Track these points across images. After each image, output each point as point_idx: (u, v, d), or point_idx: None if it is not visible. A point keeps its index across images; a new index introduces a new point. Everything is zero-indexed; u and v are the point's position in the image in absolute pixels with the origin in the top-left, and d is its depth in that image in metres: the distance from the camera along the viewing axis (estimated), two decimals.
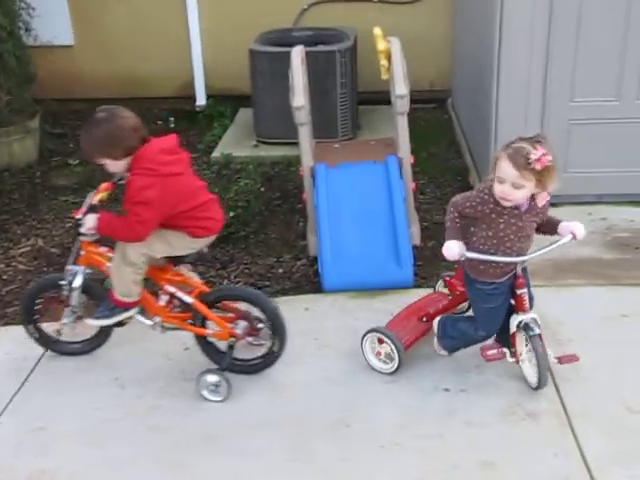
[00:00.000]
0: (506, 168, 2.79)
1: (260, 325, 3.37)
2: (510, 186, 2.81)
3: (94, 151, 3.13)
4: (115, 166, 3.14)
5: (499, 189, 2.84)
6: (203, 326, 3.39)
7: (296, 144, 4.52)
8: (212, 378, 3.28)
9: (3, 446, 3.08)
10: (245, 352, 3.43)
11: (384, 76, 4.52)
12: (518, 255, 3.01)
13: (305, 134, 4.39)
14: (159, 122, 6.91)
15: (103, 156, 3.11)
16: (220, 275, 4.40)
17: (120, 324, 3.42)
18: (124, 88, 6.95)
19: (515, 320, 3.13)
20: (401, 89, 4.22)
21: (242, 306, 3.39)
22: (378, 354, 3.38)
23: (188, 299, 3.33)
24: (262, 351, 3.42)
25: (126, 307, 3.33)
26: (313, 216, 4.35)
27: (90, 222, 3.22)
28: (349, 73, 5.93)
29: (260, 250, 4.67)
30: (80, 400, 3.35)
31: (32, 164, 6.16)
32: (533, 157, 2.73)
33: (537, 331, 3.09)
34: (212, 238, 3.35)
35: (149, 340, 3.60)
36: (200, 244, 3.31)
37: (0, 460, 3.00)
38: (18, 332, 3.78)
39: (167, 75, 7.10)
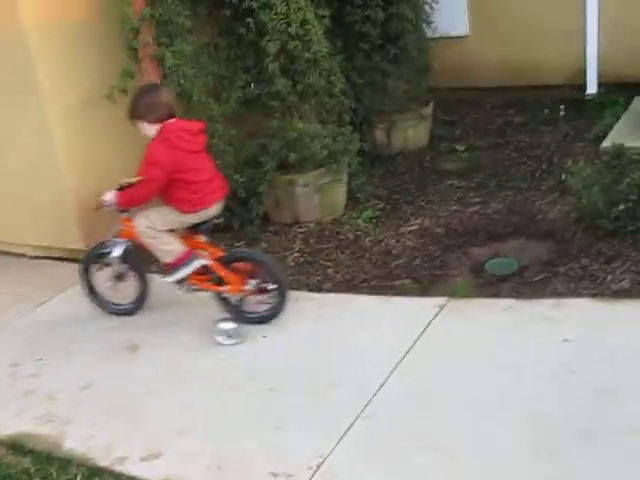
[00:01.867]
0: None
1: (267, 285, 3.99)
2: None
3: (134, 112, 3.90)
4: (146, 129, 3.88)
5: None
6: (219, 284, 4.01)
7: None
8: (226, 325, 3.92)
9: (390, 406, 3.36)
10: (254, 306, 4.10)
11: None
12: None
13: None
14: (546, 110, 6.84)
15: (140, 118, 3.87)
16: (604, 270, 4.24)
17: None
18: (514, 76, 7.01)
19: None
20: None
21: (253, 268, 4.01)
22: None
23: (206, 261, 3.97)
24: (267, 306, 4.06)
25: (179, 264, 3.99)
26: None
27: (109, 195, 4.00)
28: None
29: None
30: (462, 372, 3.49)
31: (423, 149, 6.55)
32: None
33: None
34: (201, 214, 3.95)
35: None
36: (192, 218, 3.96)
37: (386, 420, 3.28)
38: (407, 303, 4.12)
39: (557, 63, 6.98)
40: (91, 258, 4.45)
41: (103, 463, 3.23)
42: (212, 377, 3.75)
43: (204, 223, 4.05)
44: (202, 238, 4.14)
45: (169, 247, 3.99)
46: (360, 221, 5.30)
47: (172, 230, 4.04)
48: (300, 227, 5.36)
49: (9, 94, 5.00)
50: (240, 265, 4.07)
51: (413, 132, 6.53)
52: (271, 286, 4.02)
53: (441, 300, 4.12)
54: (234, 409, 3.47)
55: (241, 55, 5.28)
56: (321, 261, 4.86)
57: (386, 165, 6.30)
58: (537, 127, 6.59)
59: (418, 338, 3.80)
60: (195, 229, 4.08)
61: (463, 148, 6.42)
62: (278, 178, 5.30)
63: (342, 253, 4.93)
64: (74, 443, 3.39)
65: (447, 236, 4.97)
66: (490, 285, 4.27)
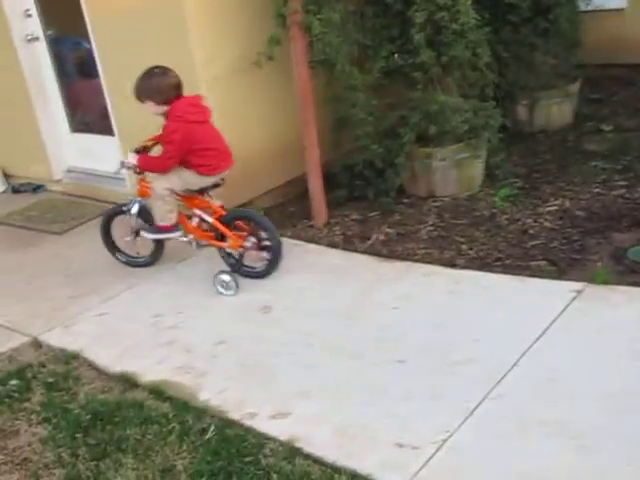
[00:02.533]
0: None
1: (265, 242, 4.46)
2: None
3: (142, 92, 4.29)
4: (154, 109, 4.30)
5: None
6: (222, 240, 4.49)
7: None
8: (225, 277, 4.40)
9: (520, 389, 3.31)
10: (253, 261, 4.55)
11: None
12: None
13: None
14: None
15: (147, 98, 4.28)
16: None
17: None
18: None
19: None
20: None
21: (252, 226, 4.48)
22: None
23: (209, 219, 4.49)
24: (264, 262, 4.50)
25: (165, 230, 4.55)
26: None
27: (132, 159, 4.42)
28: None
29: None
30: (597, 361, 3.39)
31: (566, 127, 6.31)
32: None
33: None
34: (216, 177, 4.46)
35: None
36: (208, 180, 4.46)
37: (514, 402, 3.23)
38: (542, 285, 4.03)
39: None
40: (112, 213, 4.92)
41: (235, 416, 3.38)
42: (340, 344, 3.82)
43: (212, 186, 4.54)
44: (207, 198, 4.59)
45: (170, 214, 4.52)
46: (497, 199, 5.20)
47: (183, 193, 4.55)
48: (435, 201, 5.32)
49: (162, 60, 5.20)
50: (241, 224, 4.55)
51: (557, 110, 6.29)
52: (267, 243, 4.48)
53: (579, 285, 4.00)
54: (362, 377, 3.53)
55: (387, 25, 5.25)
56: (455, 236, 4.81)
57: (527, 143, 6.11)
58: None
59: (553, 322, 3.70)
60: (202, 191, 4.57)
61: (610, 128, 6.13)
62: (416, 150, 5.26)
63: (477, 230, 4.86)
64: (209, 395, 3.56)
65: (588, 219, 4.79)
66: (632, 273, 4.09)
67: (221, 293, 4.47)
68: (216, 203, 4.59)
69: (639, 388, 3.16)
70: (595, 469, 2.79)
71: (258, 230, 4.50)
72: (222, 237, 4.54)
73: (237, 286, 4.45)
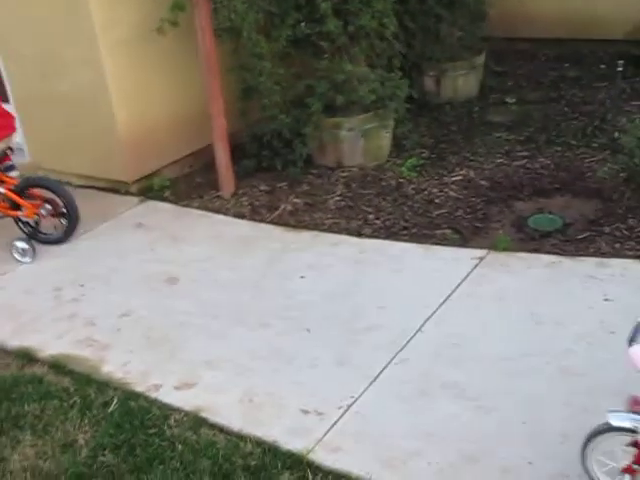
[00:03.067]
0: None
1: (61, 209, 4.53)
2: None
3: None
4: None
5: None
6: (16, 209, 4.52)
7: None
8: (21, 244, 4.49)
9: (423, 353, 3.37)
10: (51, 229, 4.64)
11: None
12: None
13: None
14: (603, 65, 6.64)
15: None
16: None
17: None
18: (572, 29, 6.78)
19: None
20: None
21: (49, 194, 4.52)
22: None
23: (1, 190, 4.47)
24: (61, 230, 4.63)
25: None
26: None
27: None
28: None
29: None
30: (498, 325, 3.48)
31: (472, 99, 6.41)
32: None
33: None
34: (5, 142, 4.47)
35: None
36: None
37: (418, 366, 3.29)
38: (447, 252, 4.11)
39: (618, 17, 6.71)
40: None
41: (139, 388, 3.32)
42: (247, 314, 3.79)
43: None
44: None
45: None
46: (404, 169, 5.25)
47: None
48: (343, 171, 5.33)
49: (61, 23, 5.00)
50: (36, 191, 4.57)
51: (463, 81, 6.38)
52: (63, 210, 4.55)
53: (481, 252, 4.10)
54: (268, 346, 3.52)
55: None
56: (362, 206, 4.84)
57: (433, 114, 6.19)
58: (592, 82, 6.39)
59: (456, 288, 3.78)
60: None
61: (513, 100, 6.27)
62: (324, 120, 5.25)
63: (384, 200, 4.90)
64: (112, 367, 3.48)
65: (491, 189, 4.90)
66: (532, 240, 4.22)
67: (19, 261, 4.52)
68: (11, 174, 4.58)
69: (535, 350, 3.27)
70: (493, 428, 2.88)
71: (53, 197, 4.54)
72: (17, 206, 4.54)
73: (34, 253, 4.52)
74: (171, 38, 4.98)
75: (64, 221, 4.63)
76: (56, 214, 4.59)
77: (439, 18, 6.12)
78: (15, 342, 3.73)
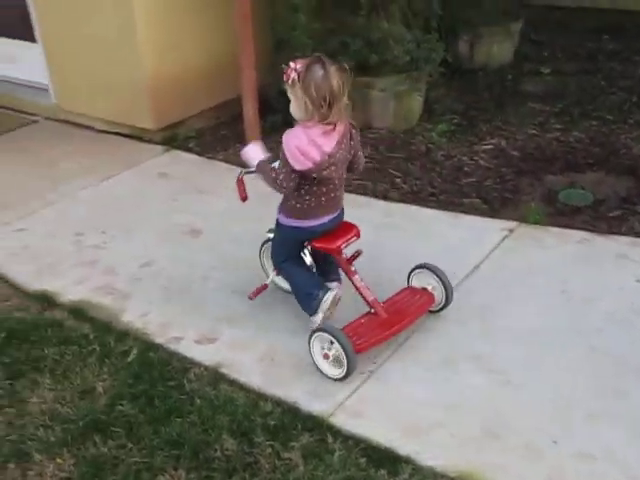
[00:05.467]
0: None
1: None
2: None
3: None
4: None
5: None
6: None
7: None
8: None
9: (449, 323, 3.31)
10: None
11: None
12: None
13: None
14: None
15: None
16: None
17: None
18: None
19: None
20: None
21: None
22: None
23: None
24: None
25: None
26: None
27: None
28: None
29: None
30: (527, 299, 3.41)
31: (506, 67, 6.27)
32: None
33: None
34: None
35: None
36: None
37: (444, 337, 3.23)
38: (475, 222, 4.02)
39: None
40: None
41: (159, 340, 3.28)
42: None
43: None
44: None
45: None
46: (434, 134, 5.14)
47: None
48: (372, 133, 5.23)
49: None
50: None
51: (498, 48, 6.24)
52: None
53: (511, 224, 4.01)
54: (290, 303, 3.45)
55: None
56: (390, 170, 4.75)
57: (466, 79, 6.05)
58: (631, 56, 6.23)
59: (484, 259, 3.71)
60: None
61: (549, 71, 6.13)
62: (355, 79, 5.11)
63: (412, 164, 4.81)
64: (132, 317, 3.44)
65: (522, 160, 4.80)
66: (562, 215, 4.13)
67: None
68: None
69: (564, 327, 3.20)
70: (518, 403, 2.83)
71: None
72: None
73: None
74: None
75: None
76: None
77: None
78: (36, 285, 3.70)
